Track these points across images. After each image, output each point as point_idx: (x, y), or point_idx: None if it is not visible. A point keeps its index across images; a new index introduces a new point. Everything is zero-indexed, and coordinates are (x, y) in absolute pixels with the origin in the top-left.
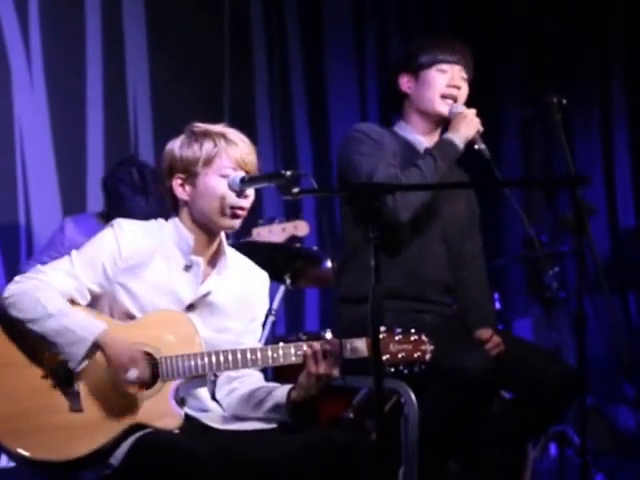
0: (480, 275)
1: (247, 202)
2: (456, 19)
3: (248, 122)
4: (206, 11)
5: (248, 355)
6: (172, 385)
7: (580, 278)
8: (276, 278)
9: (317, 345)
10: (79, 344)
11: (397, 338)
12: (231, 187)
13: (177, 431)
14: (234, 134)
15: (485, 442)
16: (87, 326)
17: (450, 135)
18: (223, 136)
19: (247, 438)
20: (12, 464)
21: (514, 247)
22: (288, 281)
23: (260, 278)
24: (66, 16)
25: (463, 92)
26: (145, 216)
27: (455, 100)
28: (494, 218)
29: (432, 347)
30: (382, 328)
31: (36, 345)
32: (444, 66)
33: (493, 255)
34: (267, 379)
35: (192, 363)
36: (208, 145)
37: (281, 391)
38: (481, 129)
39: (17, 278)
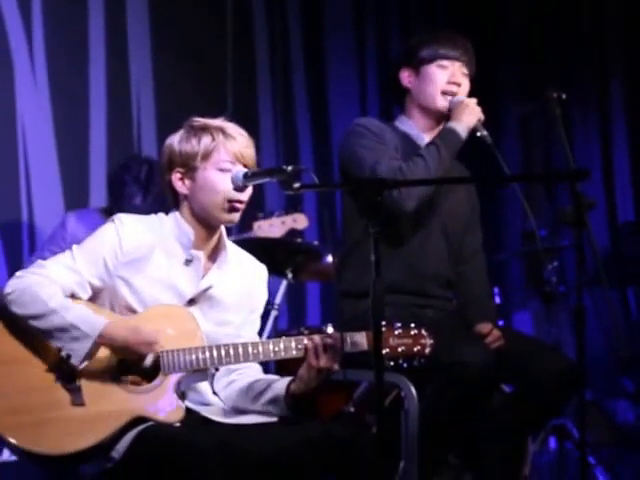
0: (480, 270)
1: (245, 196)
2: (456, 16)
3: (251, 118)
4: (209, 9)
5: (249, 349)
6: (173, 378)
7: (579, 272)
8: (278, 273)
9: (318, 339)
10: (83, 340)
11: (397, 332)
12: (234, 182)
13: (178, 424)
14: (232, 128)
15: (485, 436)
16: (90, 322)
17: (452, 124)
18: (221, 130)
19: (248, 431)
20: (14, 458)
21: (514, 242)
22: (290, 275)
23: (259, 271)
24: (69, 14)
25: (464, 88)
26: (137, 212)
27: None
28: (494, 213)
29: (432, 341)
30: (382, 322)
31: (38, 341)
32: (444, 62)
33: (493, 250)
34: (269, 373)
35: (193, 357)
36: (206, 139)
37: (280, 384)
38: (482, 117)
39: (18, 273)
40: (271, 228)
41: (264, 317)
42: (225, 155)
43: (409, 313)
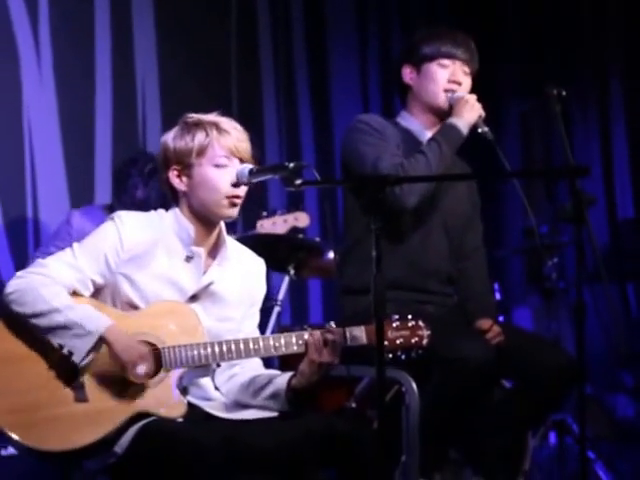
0: (481, 266)
1: (242, 191)
2: (456, 14)
3: (255, 115)
4: (214, 6)
5: (251, 345)
6: (175, 374)
7: (579, 269)
8: (280, 269)
9: (318, 334)
10: (85, 338)
11: (395, 325)
12: (239, 179)
13: (180, 419)
14: (226, 123)
15: (485, 431)
16: (94, 320)
17: (453, 120)
18: (215, 125)
19: (250, 426)
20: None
21: (514, 238)
22: (292, 272)
23: (258, 265)
24: (75, 9)
25: (465, 87)
26: (135, 205)
27: None
28: (495, 210)
29: (429, 332)
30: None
31: (40, 339)
32: (445, 61)
33: (493, 246)
34: (273, 369)
35: (195, 353)
36: (200, 136)
37: (281, 379)
38: (483, 114)
39: (19, 273)
40: (274, 226)
41: (267, 313)
42: (220, 150)
43: (410, 309)
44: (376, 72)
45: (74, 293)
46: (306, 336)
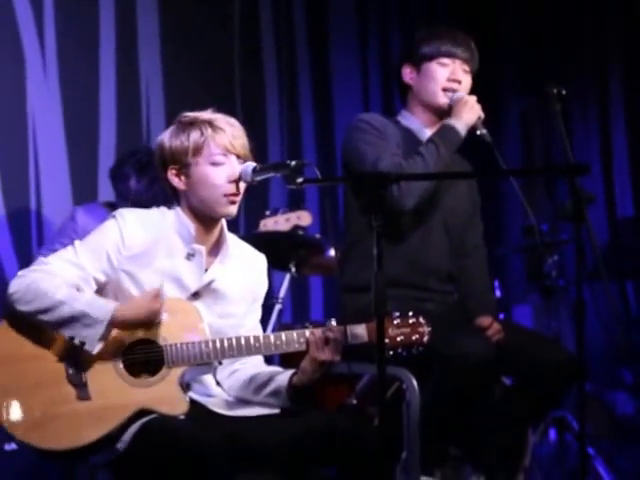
0: (481, 264)
1: (241, 188)
2: (456, 14)
3: (259, 116)
4: (217, 10)
5: (252, 342)
6: (177, 371)
7: (579, 266)
8: (281, 267)
9: (319, 332)
10: (95, 325)
11: (395, 322)
12: (244, 177)
13: (182, 417)
14: (221, 120)
15: (486, 427)
16: (99, 307)
17: (452, 121)
18: (209, 124)
19: (251, 424)
20: None
21: (514, 236)
22: (293, 269)
23: (259, 261)
24: (80, 11)
25: (465, 85)
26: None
27: None
28: (495, 208)
29: (429, 329)
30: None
31: (44, 337)
32: (445, 60)
33: (494, 244)
34: (274, 365)
35: (197, 350)
36: (195, 134)
37: (283, 376)
38: (482, 115)
39: (20, 273)
40: (276, 225)
41: (268, 311)
42: (215, 148)
43: (410, 307)
44: (376, 72)
45: (77, 290)
46: (307, 334)
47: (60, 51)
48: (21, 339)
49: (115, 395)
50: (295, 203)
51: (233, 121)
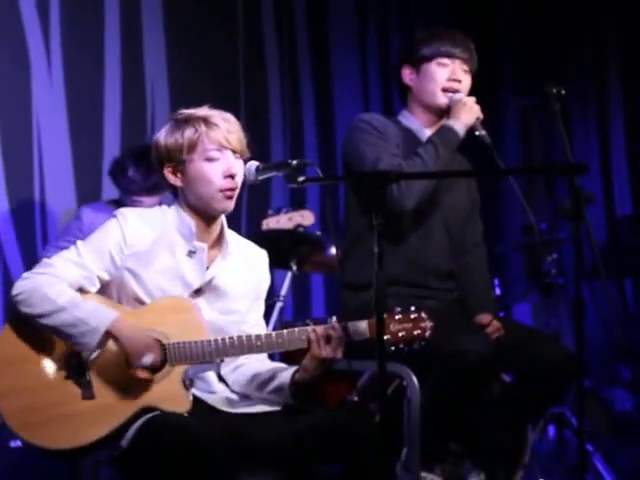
0: (481, 262)
1: (235, 183)
2: (456, 14)
3: (262, 115)
4: (221, 11)
5: (254, 341)
6: (180, 369)
7: (578, 265)
8: (282, 264)
9: (321, 329)
10: (92, 334)
11: (397, 317)
12: (247, 177)
13: (185, 414)
14: (216, 116)
15: (485, 424)
16: (99, 316)
17: (450, 122)
18: (204, 120)
19: (253, 421)
20: None
21: (514, 235)
22: (294, 267)
23: (260, 257)
24: (85, 13)
25: (464, 85)
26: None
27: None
28: (495, 206)
29: (432, 323)
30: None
31: (47, 339)
32: (445, 60)
33: (493, 242)
34: (275, 361)
35: (199, 349)
36: (189, 131)
37: (286, 373)
38: (481, 116)
39: (25, 274)
40: (278, 225)
41: (269, 309)
42: (210, 144)
43: (410, 304)
44: (376, 72)
45: (81, 290)
46: (309, 331)
47: (65, 52)
48: (26, 340)
49: (118, 393)
50: (297, 202)
51: (229, 116)
